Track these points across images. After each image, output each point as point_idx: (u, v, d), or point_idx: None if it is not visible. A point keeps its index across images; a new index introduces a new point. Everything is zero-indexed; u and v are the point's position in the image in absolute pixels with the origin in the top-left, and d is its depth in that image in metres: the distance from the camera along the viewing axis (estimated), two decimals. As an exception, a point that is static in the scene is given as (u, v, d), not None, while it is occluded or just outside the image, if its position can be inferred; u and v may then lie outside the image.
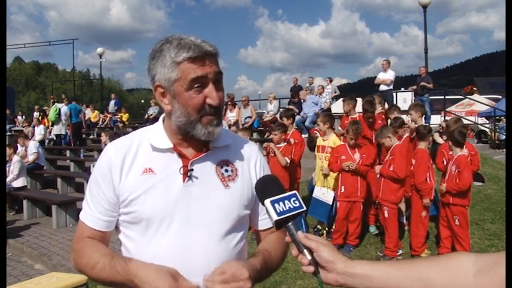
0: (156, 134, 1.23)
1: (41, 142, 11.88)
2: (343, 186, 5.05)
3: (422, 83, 11.24)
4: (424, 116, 6.50)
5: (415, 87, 11.71)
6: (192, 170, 1.18)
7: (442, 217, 4.61)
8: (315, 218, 5.69)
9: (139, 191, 1.16)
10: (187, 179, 1.17)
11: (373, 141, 5.76)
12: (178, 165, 1.18)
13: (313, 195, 5.50)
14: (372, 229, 5.56)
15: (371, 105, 5.98)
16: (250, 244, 1.35)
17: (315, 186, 5.82)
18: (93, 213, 1.21)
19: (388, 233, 4.75)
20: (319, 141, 5.72)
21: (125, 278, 1.07)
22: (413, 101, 10.64)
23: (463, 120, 8.30)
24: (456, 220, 4.42)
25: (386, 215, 4.74)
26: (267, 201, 0.98)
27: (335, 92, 13.19)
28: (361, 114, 6.16)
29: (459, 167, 4.41)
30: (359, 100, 7.43)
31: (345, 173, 5.00)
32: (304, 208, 1.00)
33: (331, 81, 13.56)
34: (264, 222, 1.33)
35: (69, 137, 13.59)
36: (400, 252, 4.85)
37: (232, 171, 1.25)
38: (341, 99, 11.29)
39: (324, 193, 5.35)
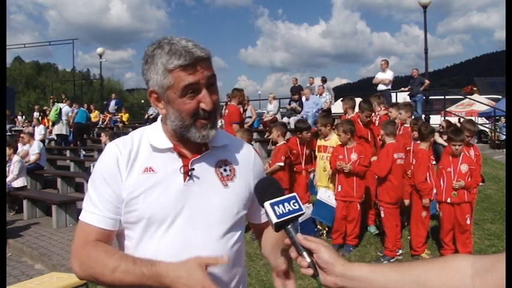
0: (155, 135, 1.24)
1: (41, 142, 11.89)
2: (339, 186, 5.06)
3: (426, 82, 11.39)
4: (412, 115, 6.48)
5: (408, 87, 11.90)
6: (193, 169, 1.19)
7: (448, 220, 4.58)
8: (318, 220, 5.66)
9: (140, 190, 1.16)
10: (188, 178, 1.18)
11: (369, 140, 5.76)
12: (178, 165, 1.19)
13: (318, 197, 5.44)
14: (372, 229, 5.56)
15: (369, 104, 5.98)
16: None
17: (316, 186, 5.83)
18: (102, 212, 1.17)
19: (386, 233, 4.76)
20: (320, 142, 5.73)
21: (154, 280, 1.04)
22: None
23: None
24: (468, 219, 4.46)
25: (382, 214, 4.76)
26: (267, 204, 0.98)
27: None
28: (357, 113, 6.14)
29: (472, 164, 4.56)
30: (358, 100, 7.46)
31: (341, 172, 5.00)
32: (304, 211, 1.01)
33: (325, 81, 13.42)
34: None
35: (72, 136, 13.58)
36: (400, 252, 4.86)
37: (230, 170, 1.26)
38: (340, 99, 11.32)
39: (329, 196, 5.28)
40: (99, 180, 1.20)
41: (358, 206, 5.00)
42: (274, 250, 1.16)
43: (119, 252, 1.15)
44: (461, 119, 10.83)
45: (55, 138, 13.79)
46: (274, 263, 1.10)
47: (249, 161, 1.33)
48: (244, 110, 10.79)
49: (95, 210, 1.18)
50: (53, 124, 13.75)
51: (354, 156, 4.98)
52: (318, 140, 5.80)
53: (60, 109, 13.30)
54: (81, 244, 1.17)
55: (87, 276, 1.16)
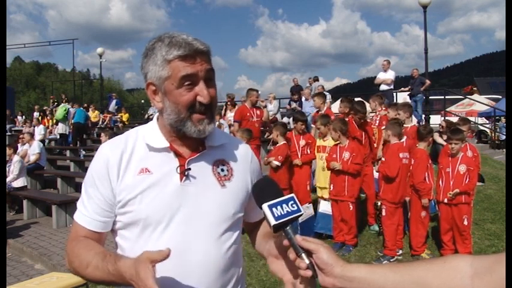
0: (151, 133, 1.23)
1: (41, 142, 11.92)
2: (332, 185, 5.06)
3: (426, 82, 11.40)
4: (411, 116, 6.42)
5: (408, 88, 11.90)
6: (190, 169, 1.18)
7: (446, 219, 4.59)
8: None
9: (136, 191, 1.15)
10: (184, 178, 1.17)
11: (363, 142, 5.75)
12: (175, 165, 1.18)
13: (320, 210, 5.38)
14: (375, 228, 5.52)
15: (362, 106, 5.97)
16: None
17: (315, 186, 5.81)
18: (89, 214, 1.18)
19: (386, 232, 4.75)
20: (320, 142, 5.73)
21: (118, 277, 1.04)
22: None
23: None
24: (465, 220, 4.45)
25: (384, 213, 4.76)
26: (265, 206, 0.97)
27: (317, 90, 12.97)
28: (352, 115, 6.10)
29: (470, 165, 4.54)
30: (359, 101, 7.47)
31: (334, 171, 5.01)
32: (302, 212, 1.00)
33: (315, 80, 13.26)
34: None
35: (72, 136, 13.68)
36: (400, 252, 4.85)
37: (227, 170, 1.25)
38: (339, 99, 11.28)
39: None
40: (89, 181, 1.21)
41: (351, 206, 4.95)
42: (265, 239, 1.18)
43: (96, 248, 1.14)
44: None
45: (58, 137, 13.92)
46: (266, 248, 1.10)
47: (246, 160, 1.32)
48: (264, 107, 10.75)
49: (84, 212, 1.20)
50: (57, 122, 13.90)
51: (346, 155, 4.97)
52: (318, 140, 5.81)
53: (68, 109, 13.47)
54: (70, 241, 1.21)
55: (73, 270, 1.18)
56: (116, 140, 1.24)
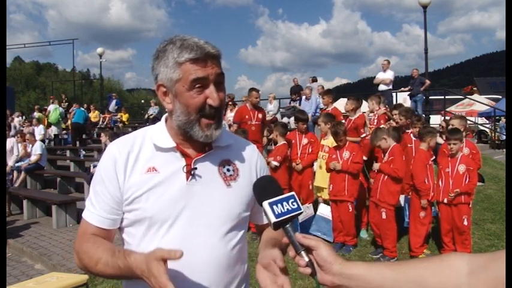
0: (159, 134, 1.25)
1: (41, 142, 11.96)
2: (331, 185, 5.06)
3: (426, 82, 11.40)
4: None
5: (408, 88, 11.92)
6: (196, 168, 1.20)
7: (447, 220, 4.58)
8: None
9: (143, 189, 1.17)
10: (190, 177, 1.19)
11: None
12: (181, 164, 1.20)
13: (318, 212, 5.34)
14: (363, 234, 5.47)
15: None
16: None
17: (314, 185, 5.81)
18: (98, 211, 1.20)
19: (386, 234, 4.73)
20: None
21: (129, 272, 1.06)
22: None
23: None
24: (465, 220, 4.45)
25: (384, 216, 4.70)
26: (265, 203, 0.98)
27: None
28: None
29: (470, 165, 4.54)
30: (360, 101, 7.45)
31: (334, 171, 5.01)
32: (302, 210, 1.01)
33: (313, 80, 13.13)
34: None
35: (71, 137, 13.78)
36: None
37: (233, 170, 1.26)
38: (341, 98, 11.29)
39: (330, 211, 5.19)
40: (97, 180, 1.23)
41: (350, 208, 4.93)
42: (268, 244, 1.16)
43: (105, 244, 1.16)
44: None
45: (53, 137, 14.01)
46: (267, 255, 1.05)
47: (252, 161, 1.33)
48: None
49: (92, 209, 1.22)
50: (50, 125, 14.03)
51: (346, 155, 4.98)
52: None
53: (60, 111, 13.61)
54: (78, 238, 1.22)
55: (83, 267, 1.20)
56: (124, 140, 1.26)
